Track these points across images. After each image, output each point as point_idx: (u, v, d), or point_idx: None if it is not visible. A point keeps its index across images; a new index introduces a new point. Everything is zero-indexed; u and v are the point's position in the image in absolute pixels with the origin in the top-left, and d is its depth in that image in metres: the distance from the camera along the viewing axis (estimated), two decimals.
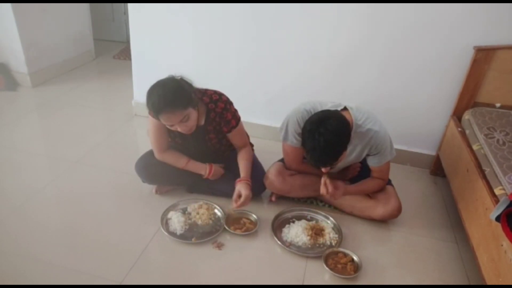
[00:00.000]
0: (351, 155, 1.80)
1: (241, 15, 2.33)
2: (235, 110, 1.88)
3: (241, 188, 1.83)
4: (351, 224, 1.94)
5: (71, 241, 1.74)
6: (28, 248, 1.67)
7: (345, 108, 1.75)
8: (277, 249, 1.77)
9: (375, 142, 1.74)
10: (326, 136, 1.53)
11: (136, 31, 2.60)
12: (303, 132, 1.65)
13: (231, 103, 1.86)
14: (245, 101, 2.20)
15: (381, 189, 1.93)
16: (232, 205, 1.83)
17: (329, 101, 1.80)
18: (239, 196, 1.82)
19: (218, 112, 1.81)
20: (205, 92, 1.81)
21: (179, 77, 1.72)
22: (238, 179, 1.88)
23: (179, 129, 1.70)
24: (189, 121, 1.68)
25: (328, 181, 1.80)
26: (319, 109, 1.76)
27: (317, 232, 1.82)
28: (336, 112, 1.65)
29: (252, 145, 2.07)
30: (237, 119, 1.88)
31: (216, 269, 1.65)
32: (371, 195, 1.96)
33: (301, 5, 2.20)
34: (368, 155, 1.82)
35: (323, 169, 1.74)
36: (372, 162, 1.84)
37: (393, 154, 1.82)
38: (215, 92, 1.83)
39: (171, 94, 1.60)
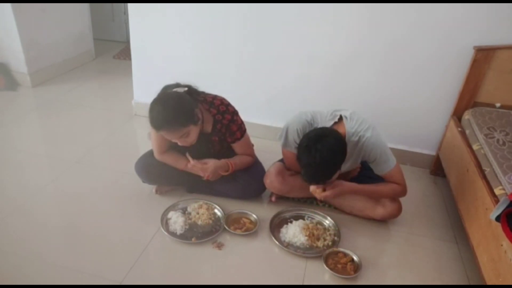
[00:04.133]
0: (345, 164, 1.78)
1: (241, 15, 2.33)
2: (241, 122, 1.89)
3: (213, 161, 1.85)
4: (351, 224, 1.94)
5: (71, 240, 1.75)
6: (28, 247, 1.67)
7: (340, 118, 1.74)
8: (277, 249, 1.77)
9: (366, 148, 1.71)
10: (322, 152, 1.52)
11: (136, 31, 2.59)
12: (299, 146, 1.63)
13: (237, 114, 1.88)
14: (245, 101, 2.20)
15: (402, 195, 1.84)
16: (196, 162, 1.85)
17: (327, 110, 1.80)
18: (205, 163, 1.84)
19: (224, 124, 1.83)
20: (212, 102, 1.82)
21: (185, 88, 1.72)
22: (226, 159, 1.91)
23: (178, 143, 1.73)
24: (189, 137, 1.71)
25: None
26: (319, 119, 1.76)
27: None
28: (333, 130, 1.65)
29: (252, 145, 2.07)
30: (242, 131, 1.89)
31: (216, 269, 1.65)
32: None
33: (300, 5, 2.20)
34: (367, 162, 1.80)
35: (311, 188, 1.74)
36: (376, 170, 1.79)
37: (394, 160, 1.76)
38: (222, 102, 1.84)
39: (171, 113, 1.61)
